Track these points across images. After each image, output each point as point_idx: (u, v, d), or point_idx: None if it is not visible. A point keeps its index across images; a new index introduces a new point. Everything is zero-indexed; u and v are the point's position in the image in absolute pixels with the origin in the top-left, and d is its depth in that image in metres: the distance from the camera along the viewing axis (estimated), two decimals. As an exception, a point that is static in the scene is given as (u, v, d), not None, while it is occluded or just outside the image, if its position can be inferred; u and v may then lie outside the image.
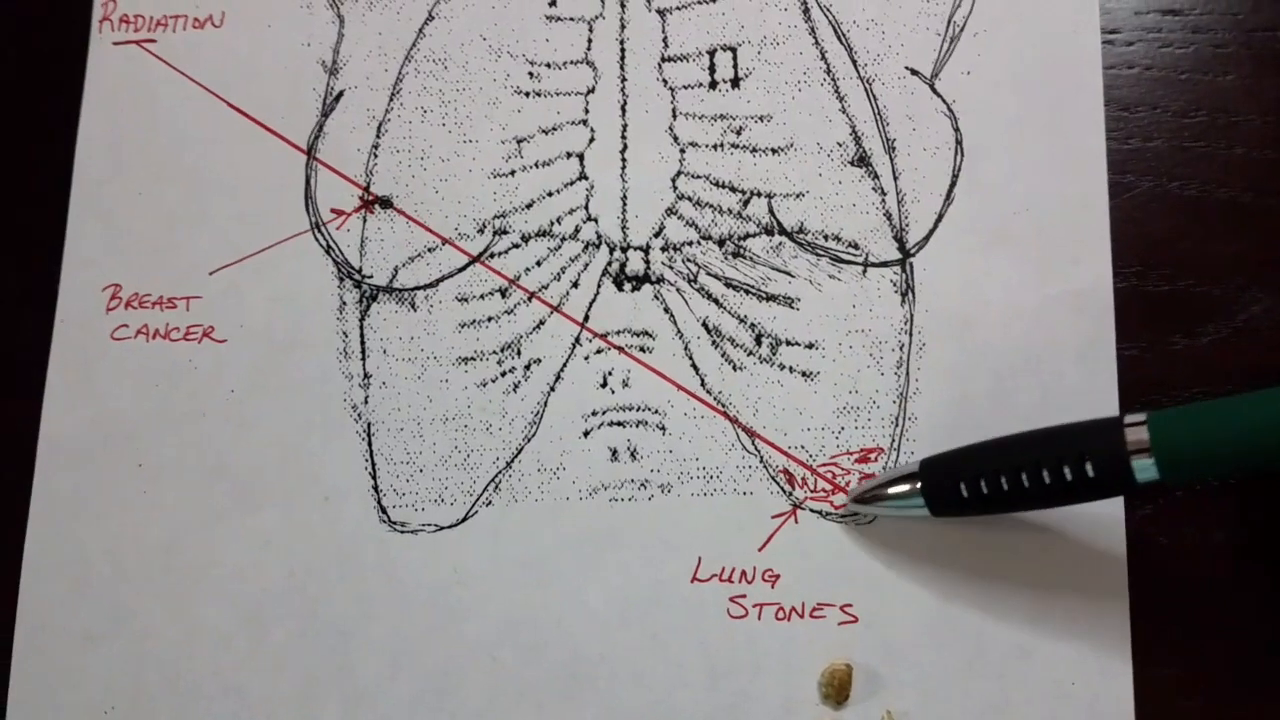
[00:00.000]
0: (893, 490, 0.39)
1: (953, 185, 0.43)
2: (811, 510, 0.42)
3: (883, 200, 0.44)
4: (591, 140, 0.44)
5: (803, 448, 0.42)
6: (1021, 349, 0.42)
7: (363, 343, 0.44)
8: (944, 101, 0.44)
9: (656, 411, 0.43)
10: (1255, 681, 0.40)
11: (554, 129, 0.45)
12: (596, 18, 0.45)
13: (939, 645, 0.40)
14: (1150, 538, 0.41)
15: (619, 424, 0.43)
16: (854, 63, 0.45)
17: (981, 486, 0.37)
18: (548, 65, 0.45)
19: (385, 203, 0.45)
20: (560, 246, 0.44)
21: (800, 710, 0.40)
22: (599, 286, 0.43)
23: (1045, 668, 0.40)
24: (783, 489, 0.42)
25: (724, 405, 0.43)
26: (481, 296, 0.44)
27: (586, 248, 0.44)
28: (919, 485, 0.38)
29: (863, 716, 0.40)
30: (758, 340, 0.43)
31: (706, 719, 0.41)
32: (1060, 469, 0.35)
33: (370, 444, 0.43)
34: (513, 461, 0.43)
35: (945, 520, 0.40)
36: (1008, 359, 0.42)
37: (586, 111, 0.45)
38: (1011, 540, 0.40)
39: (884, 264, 0.43)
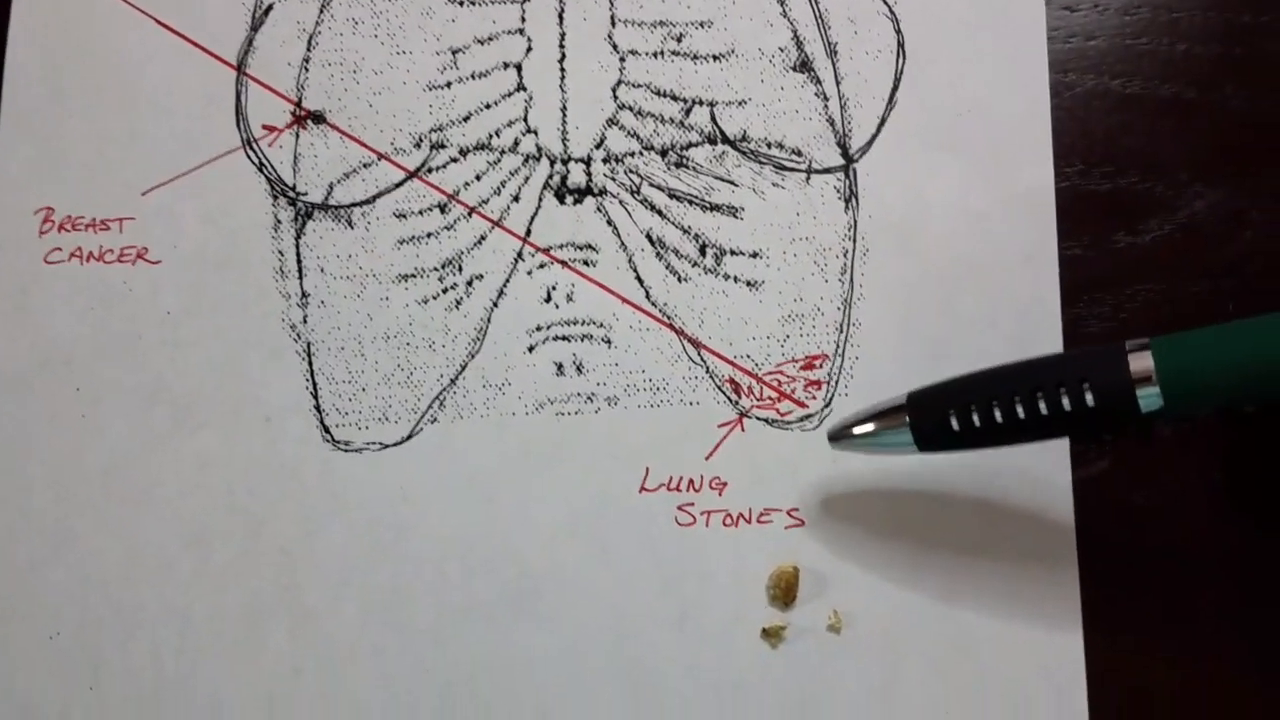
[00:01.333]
0: (875, 426, 0.36)
1: (895, 89, 0.43)
2: (758, 418, 0.42)
3: (825, 106, 0.43)
4: (529, 50, 0.43)
5: (748, 357, 0.42)
6: (965, 252, 0.42)
7: (299, 261, 0.43)
8: (885, 4, 0.44)
9: (601, 325, 0.43)
10: (1208, 583, 0.40)
11: (490, 39, 0.44)
12: (531, -77, 0.44)
13: (884, 546, 0.41)
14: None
15: (564, 338, 0.43)
16: (794, -35, 0.44)
17: (973, 418, 0.34)
18: (482, -27, 0.44)
19: (318, 118, 0.44)
20: (500, 160, 0.43)
21: (749, 613, 0.41)
22: (540, 200, 0.43)
23: (993, 563, 0.40)
24: (729, 398, 0.42)
25: (669, 317, 0.43)
26: (420, 212, 0.43)
27: (526, 161, 0.43)
28: (906, 419, 0.36)
29: (810, 617, 0.40)
30: (702, 251, 0.43)
31: (656, 627, 0.41)
32: (1058, 398, 0.33)
33: (310, 363, 0.43)
34: (457, 378, 0.43)
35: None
36: (951, 263, 0.42)
37: (523, 20, 0.44)
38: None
39: (827, 170, 0.43)
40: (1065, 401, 0.33)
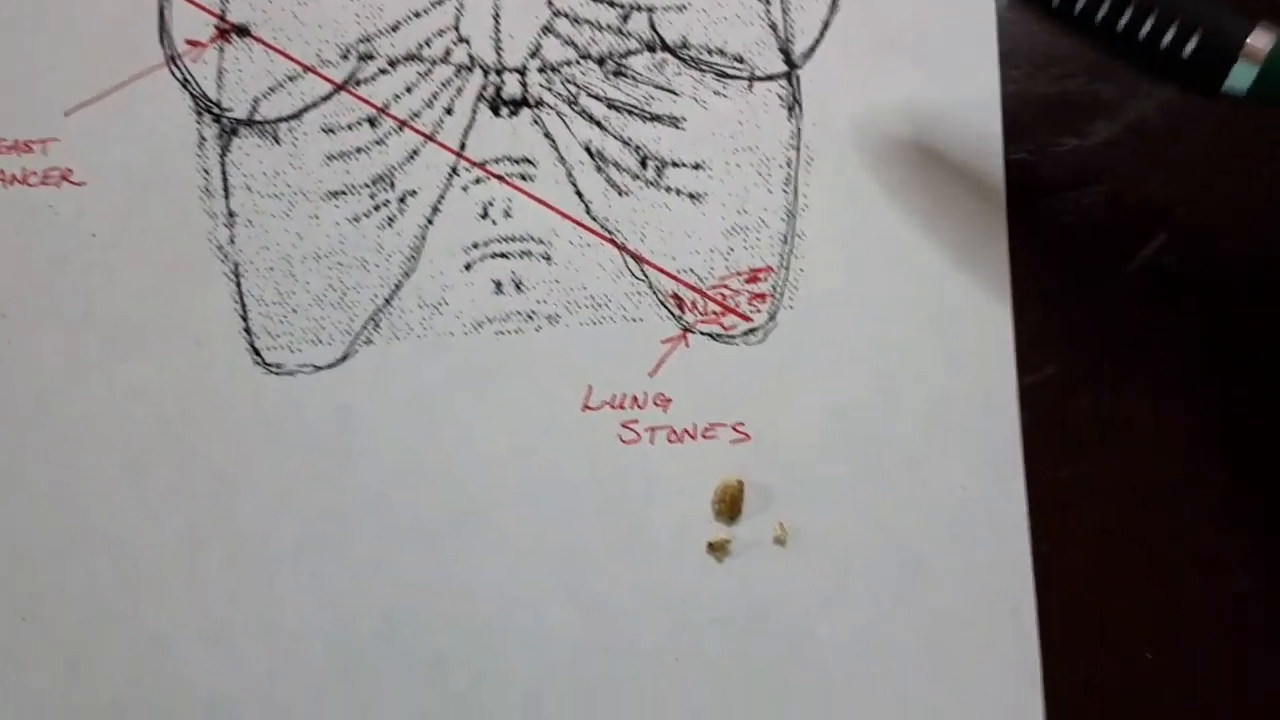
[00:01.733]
0: None
1: (838, -9, 0.41)
2: (702, 333, 0.41)
3: (767, 10, 0.42)
4: (459, -46, 0.41)
5: (691, 271, 0.41)
6: (911, 159, 0.41)
7: (225, 180, 0.42)
8: (828, -98, 0.42)
9: (540, 241, 0.41)
10: (1150, 490, 0.40)
11: (418, -57, 0.42)
12: None
13: (830, 459, 0.40)
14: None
15: (502, 255, 0.41)
16: None
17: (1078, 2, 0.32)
18: (408, -127, 0.42)
19: (242, 30, 0.42)
20: (431, 71, 0.41)
21: (694, 528, 0.40)
22: (474, 112, 0.41)
23: (937, 474, 0.40)
24: (672, 313, 0.41)
25: (610, 232, 0.41)
26: (349, 127, 0.42)
27: (459, 71, 0.41)
28: None
29: (756, 530, 0.40)
30: (643, 163, 0.41)
31: (602, 545, 0.40)
32: (1165, 28, 0.32)
33: (239, 285, 0.42)
34: (392, 298, 0.42)
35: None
36: (897, 169, 0.41)
37: (452, -77, 0.42)
38: (900, 358, 0.40)
39: (770, 78, 0.41)
40: (1169, 35, 0.32)
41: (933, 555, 0.39)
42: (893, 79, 0.41)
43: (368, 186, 0.42)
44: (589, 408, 0.41)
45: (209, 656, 0.40)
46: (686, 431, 0.41)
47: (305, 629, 0.40)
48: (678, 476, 0.40)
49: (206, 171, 0.42)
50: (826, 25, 0.41)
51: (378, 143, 0.42)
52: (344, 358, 0.41)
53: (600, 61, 0.41)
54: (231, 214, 0.42)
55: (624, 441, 0.41)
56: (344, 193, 0.42)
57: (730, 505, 0.39)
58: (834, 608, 0.39)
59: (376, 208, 0.42)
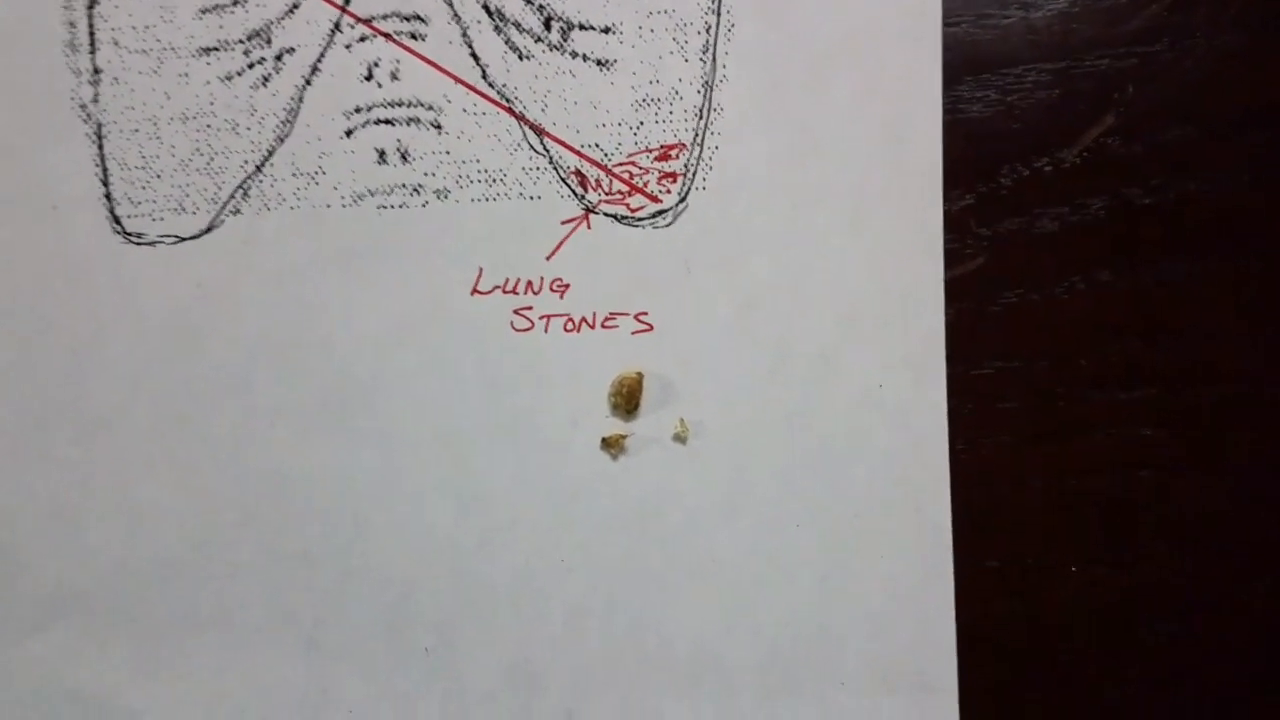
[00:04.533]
0: None
1: None
2: (606, 214, 0.38)
3: None
4: None
5: (596, 146, 0.38)
6: (839, 26, 0.37)
7: (91, 33, 0.38)
8: None
9: (430, 107, 0.38)
10: (1072, 388, 0.37)
11: None
12: None
13: (738, 353, 0.37)
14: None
15: (387, 122, 0.38)
16: None
17: None
18: None
19: None
20: None
21: (588, 422, 0.37)
22: None
23: (851, 373, 0.37)
24: (574, 192, 0.38)
25: (508, 100, 0.38)
26: None
27: None
28: None
29: (655, 426, 0.37)
30: (546, 24, 0.38)
31: (488, 437, 0.37)
32: None
33: (101, 147, 0.38)
34: (264, 165, 0.38)
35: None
36: (825, 39, 0.37)
37: None
38: (817, 247, 0.37)
39: None
40: None
41: (842, 458, 0.36)
42: (824, -64, 0.37)
43: (242, 42, 0.38)
44: (479, 291, 0.38)
45: (56, 543, 0.37)
46: (584, 320, 0.38)
47: (160, 516, 0.37)
48: (573, 367, 0.38)
49: (73, 25, 0.38)
50: (753, -128, 0.37)
51: (254, -7, 0.37)
52: (209, 228, 0.38)
53: (502, -90, 0.37)
54: (97, 70, 0.38)
55: (516, 329, 0.38)
56: (216, 49, 0.38)
57: (628, 399, 0.36)
58: (734, 510, 0.36)
59: (250, 65, 0.38)
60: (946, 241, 0.37)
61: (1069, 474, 0.36)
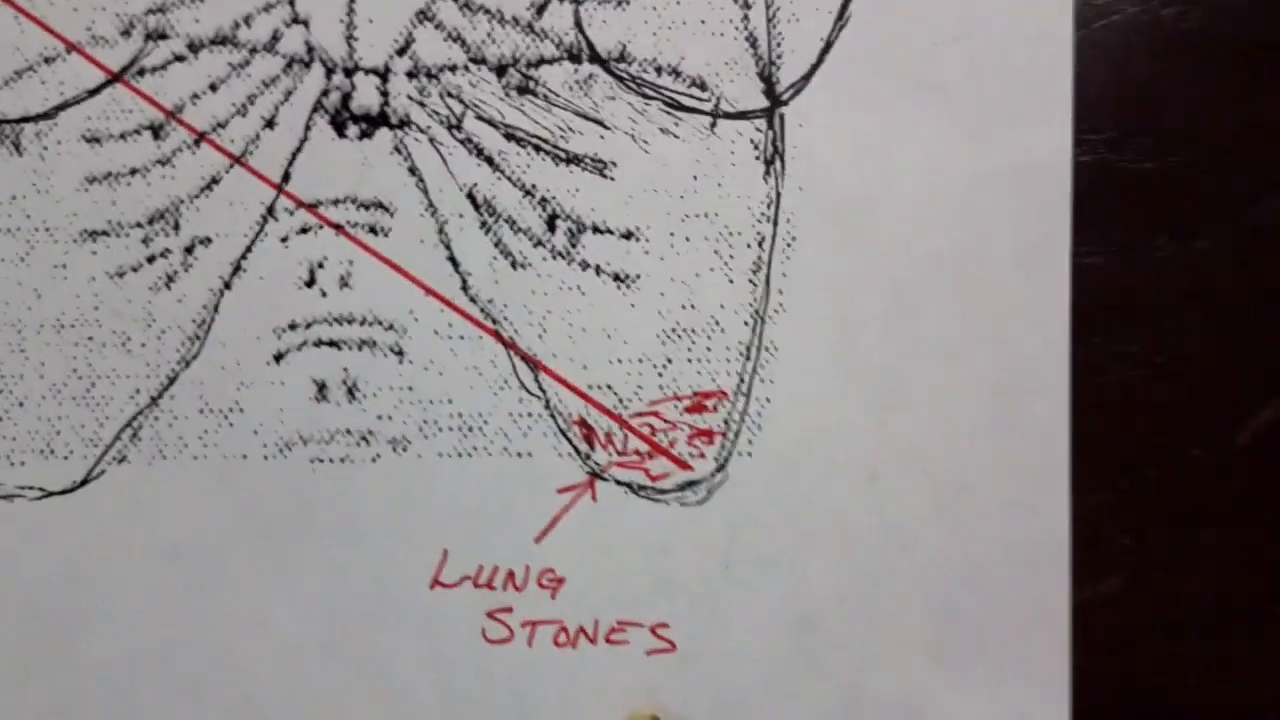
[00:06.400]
0: None
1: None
2: (617, 482, 0.34)
3: (746, 17, 0.34)
4: (300, -104, 0.34)
5: (609, 388, 0.34)
6: (938, 249, 0.32)
7: (-63, 202, 0.34)
8: None
9: (391, 327, 0.34)
10: None
11: (240, -127, 0.34)
12: None
13: (795, 692, 0.33)
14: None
15: (332, 344, 0.34)
16: None
17: None
18: None
19: (-25, -17, 0.35)
20: (248, 62, 0.34)
21: (583, 784, 0.33)
22: (308, 129, 0.34)
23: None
24: (576, 449, 0.34)
25: (495, 320, 0.34)
26: (122, 136, 0.34)
27: (290, 66, 0.34)
28: None
29: (675, 796, 0.33)
30: (550, 223, 0.34)
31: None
32: None
33: (-56, 363, 0.34)
34: (161, 396, 0.34)
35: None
36: (920, 262, 0.32)
37: None
38: (899, 542, 0.32)
39: (743, 115, 0.34)
40: None
41: None
42: (919, 128, 0.33)
43: (141, 227, 0.34)
44: (441, 584, 0.34)
45: None
46: (583, 631, 0.34)
47: None
48: (566, 699, 0.33)
49: (-87, 188, 0.34)
50: (829, 45, 0.33)
51: (161, 162, 0.34)
52: (84, 480, 0.34)
53: (499, 70, 0.34)
54: (-59, 254, 0.34)
55: (490, 639, 0.34)
56: (106, 233, 0.35)
57: (639, 753, 0.31)
58: None
59: (151, 259, 0.34)
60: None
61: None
